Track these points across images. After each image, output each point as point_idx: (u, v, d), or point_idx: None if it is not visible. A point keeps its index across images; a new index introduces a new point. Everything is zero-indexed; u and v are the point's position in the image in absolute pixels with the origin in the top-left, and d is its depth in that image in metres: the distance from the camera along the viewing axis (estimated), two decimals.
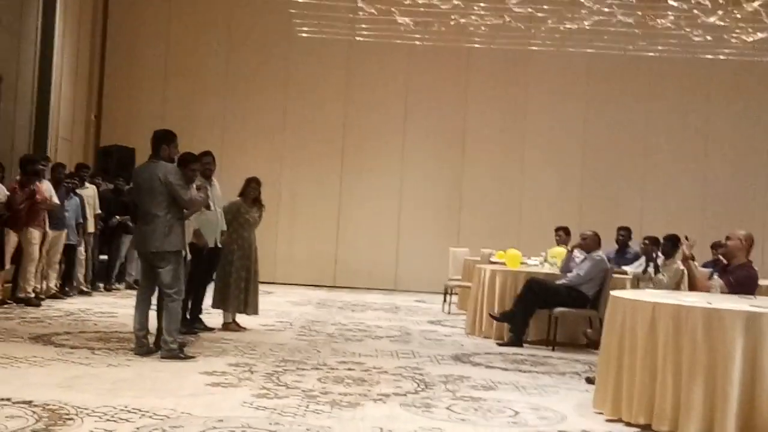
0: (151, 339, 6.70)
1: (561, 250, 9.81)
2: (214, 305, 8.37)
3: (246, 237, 8.41)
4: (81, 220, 10.55)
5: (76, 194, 10.61)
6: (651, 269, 9.05)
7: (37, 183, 9.57)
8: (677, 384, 4.71)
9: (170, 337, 6.47)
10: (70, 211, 10.35)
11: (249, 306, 8.38)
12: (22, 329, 7.61)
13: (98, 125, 14.86)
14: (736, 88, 14.73)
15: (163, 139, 6.69)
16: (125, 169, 12.46)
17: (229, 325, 8.30)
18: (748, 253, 6.12)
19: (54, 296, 10.06)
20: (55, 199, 9.75)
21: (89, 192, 11.09)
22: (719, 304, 4.87)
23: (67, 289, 10.50)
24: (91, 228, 11.00)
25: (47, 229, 9.73)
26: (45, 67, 12.28)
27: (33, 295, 9.53)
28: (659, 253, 9.19)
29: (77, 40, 13.65)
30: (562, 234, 10.83)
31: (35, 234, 9.51)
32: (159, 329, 6.67)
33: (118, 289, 11.56)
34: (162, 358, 6.40)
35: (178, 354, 6.43)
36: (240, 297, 8.31)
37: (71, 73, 13.42)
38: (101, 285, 11.48)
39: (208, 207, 7.67)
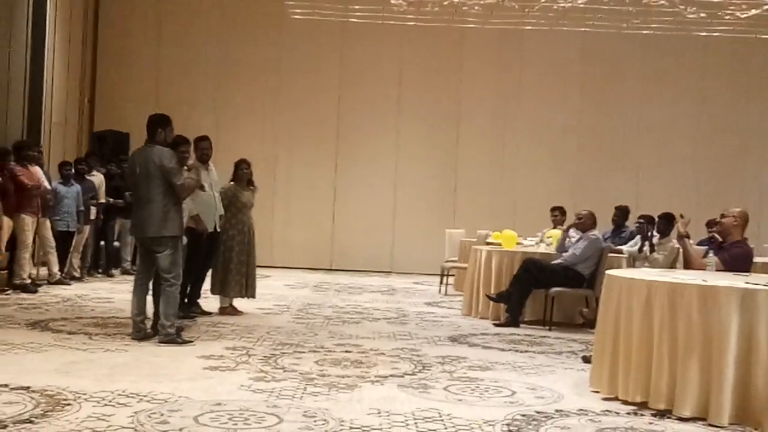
0: (149, 324, 6.70)
1: (557, 233, 9.81)
2: (214, 291, 8.34)
3: (244, 221, 8.40)
4: (81, 208, 10.52)
5: (86, 179, 10.65)
6: (646, 248, 9.07)
7: (30, 168, 9.55)
8: (673, 361, 4.73)
9: (168, 322, 6.47)
10: (69, 199, 10.35)
11: (249, 289, 8.39)
12: (18, 315, 7.61)
13: (92, 110, 14.79)
14: (731, 65, 14.71)
15: (159, 123, 6.67)
16: (120, 154, 12.45)
17: (226, 309, 8.31)
18: (743, 231, 6.13)
19: (60, 282, 10.05)
20: (46, 184, 9.72)
21: (97, 180, 11.13)
22: (714, 281, 4.88)
23: (64, 275, 10.51)
24: (93, 215, 11.01)
25: (39, 215, 9.71)
26: (37, 52, 12.20)
27: (29, 281, 9.52)
28: (654, 232, 9.20)
29: (69, 24, 13.56)
30: (558, 214, 10.82)
31: (27, 220, 9.48)
32: (156, 314, 6.67)
33: (112, 275, 11.55)
34: (160, 342, 6.40)
35: (175, 338, 6.44)
36: (242, 281, 8.30)
37: (63, 58, 13.35)
38: (99, 271, 11.51)
39: (202, 188, 7.64)
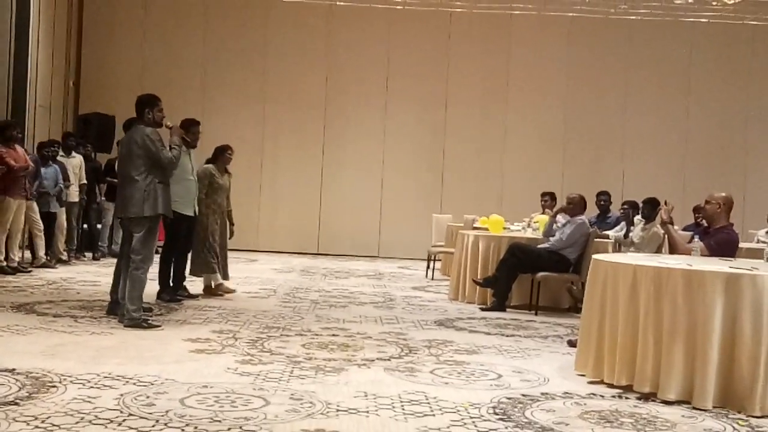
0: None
1: (544, 218, 9.82)
2: (198, 272, 8.32)
3: (220, 203, 8.40)
4: (63, 188, 10.44)
5: (56, 162, 10.54)
6: (631, 233, 9.11)
7: (16, 149, 9.46)
8: (658, 345, 4.75)
9: (132, 306, 6.38)
10: (48, 180, 10.27)
11: (223, 271, 8.42)
12: (3, 298, 7.57)
13: (77, 92, 14.69)
14: (717, 51, 14.74)
15: (146, 103, 6.62)
16: (105, 137, 12.35)
17: (220, 286, 8.34)
18: (728, 216, 6.14)
19: (45, 265, 9.99)
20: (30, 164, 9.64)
21: (75, 161, 11.01)
22: (699, 266, 4.91)
23: (48, 258, 10.44)
24: (75, 197, 10.92)
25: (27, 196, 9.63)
26: (21, 33, 12.08)
27: (5, 263, 9.43)
28: (639, 217, 9.23)
29: (53, 6, 13.43)
30: (549, 199, 10.85)
31: (11, 202, 9.40)
32: (116, 295, 6.66)
33: (98, 259, 11.49)
34: (125, 326, 6.31)
35: (140, 323, 6.35)
36: (219, 263, 8.31)
37: (48, 40, 13.22)
38: (87, 254, 11.45)
39: (189, 145, 7.66)
